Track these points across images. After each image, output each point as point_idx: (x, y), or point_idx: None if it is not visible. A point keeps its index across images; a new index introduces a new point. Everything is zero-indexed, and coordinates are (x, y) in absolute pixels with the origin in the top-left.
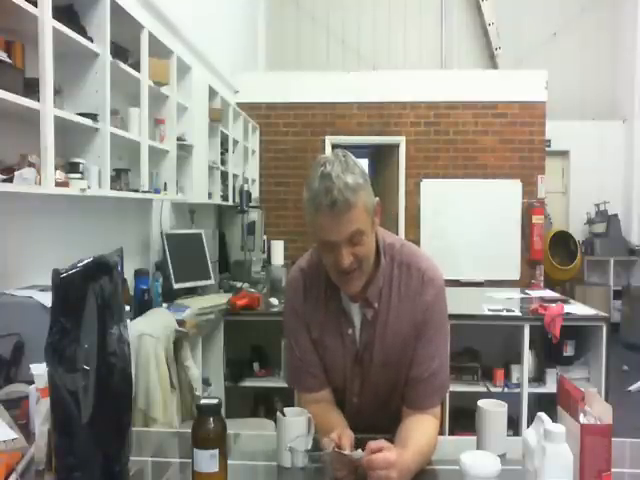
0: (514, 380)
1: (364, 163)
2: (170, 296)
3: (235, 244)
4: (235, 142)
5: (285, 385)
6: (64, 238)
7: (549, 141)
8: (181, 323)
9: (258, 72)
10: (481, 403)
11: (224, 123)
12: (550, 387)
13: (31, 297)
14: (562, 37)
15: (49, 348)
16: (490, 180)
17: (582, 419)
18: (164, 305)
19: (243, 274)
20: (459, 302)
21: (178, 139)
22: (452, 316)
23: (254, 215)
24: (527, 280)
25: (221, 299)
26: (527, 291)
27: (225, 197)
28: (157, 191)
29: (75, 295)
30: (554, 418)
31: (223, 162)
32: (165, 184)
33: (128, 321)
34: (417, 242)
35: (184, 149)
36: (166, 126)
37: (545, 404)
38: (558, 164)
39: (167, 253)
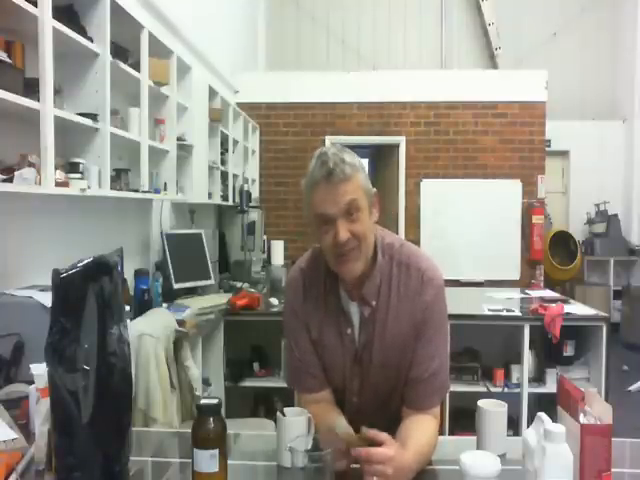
0: (514, 380)
1: (364, 163)
2: (170, 296)
3: (235, 244)
4: (235, 142)
5: (285, 385)
6: (64, 238)
7: (549, 141)
8: (181, 323)
9: (258, 72)
10: (481, 403)
11: (224, 123)
12: (550, 387)
13: (31, 297)
14: (562, 37)
15: (49, 348)
16: (490, 180)
17: (582, 419)
18: (164, 305)
19: (243, 274)
20: (459, 302)
21: (178, 139)
22: (452, 316)
23: (254, 215)
24: (527, 280)
25: (221, 299)
26: (527, 291)
27: (225, 197)
28: (157, 191)
29: (75, 295)
30: (554, 418)
31: (223, 162)
32: (165, 184)
33: (128, 321)
34: (417, 242)
35: (184, 149)
36: (166, 126)
37: (545, 404)
38: (558, 164)
39: (167, 253)
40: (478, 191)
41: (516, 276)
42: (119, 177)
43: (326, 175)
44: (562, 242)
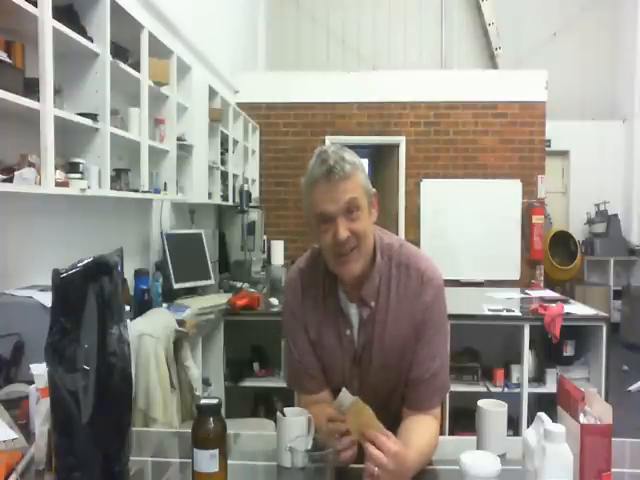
0: (514, 380)
1: (364, 163)
2: (170, 296)
3: (235, 244)
4: (235, 142)
5: (285, 385)
6: (64, 238)
7: (549, 141)
8: (181, 323)
9: (258, 72)
10: (481, 403)
11: (224, 123)
12: (550, 387)
13: (31, 297)
14: (562, 37)
15: (49, 348)
16: (490, 180)
17: (582, 419)
18: (164, 305)
19: (243, 274)
20: (459, 302)
21: (178, 139)
22: (452, 316)
23: (254, 215)
24: (527, 280)
25: (221, 299)
26: (527, 291)
27: (225, 197)
28: (157, 191)
29: (75, 295)
30: (554, 418)
31: (223, 162)
32: (165, 184)
33: (128, 321)
34: (417, 242)
35: (184, 149)
36: (166, 126)
37: (545, 404)
38: (558, 164)
39: (167, 253)
40: (478, 191)
41: (516, 276)
42: (119, 177)
43: (326, 173)
44: (562, 242)
